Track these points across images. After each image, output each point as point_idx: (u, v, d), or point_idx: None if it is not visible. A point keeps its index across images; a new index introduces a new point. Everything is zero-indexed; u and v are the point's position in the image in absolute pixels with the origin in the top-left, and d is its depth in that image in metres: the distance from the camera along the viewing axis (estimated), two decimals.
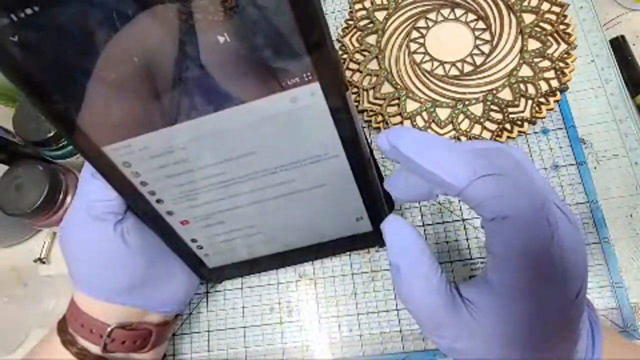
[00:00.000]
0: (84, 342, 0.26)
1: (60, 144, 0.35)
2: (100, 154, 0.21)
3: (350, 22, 0.40)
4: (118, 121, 0.20)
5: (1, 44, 0.16)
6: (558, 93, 0.33)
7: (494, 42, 0.36)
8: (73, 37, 0.16)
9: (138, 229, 0.26)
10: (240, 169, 0.23)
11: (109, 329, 0.26)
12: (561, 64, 0.34)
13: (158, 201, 0.24)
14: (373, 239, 0.30)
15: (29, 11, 0.15)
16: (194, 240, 0.28)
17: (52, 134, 0.34)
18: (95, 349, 0.26)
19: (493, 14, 0.37)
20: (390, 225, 0.21)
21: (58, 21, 0.16)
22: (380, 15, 0.39)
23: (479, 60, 0.35)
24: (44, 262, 0.40)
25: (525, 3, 0.36)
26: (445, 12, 0.37)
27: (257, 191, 0.24)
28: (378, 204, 0.26)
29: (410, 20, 0.38)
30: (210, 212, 0.26)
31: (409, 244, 0.20)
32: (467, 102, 0.34)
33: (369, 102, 0.36)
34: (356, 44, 0.39)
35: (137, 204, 0.25)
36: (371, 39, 0.38)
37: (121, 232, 0.25)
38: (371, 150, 0.24)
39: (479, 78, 0.35)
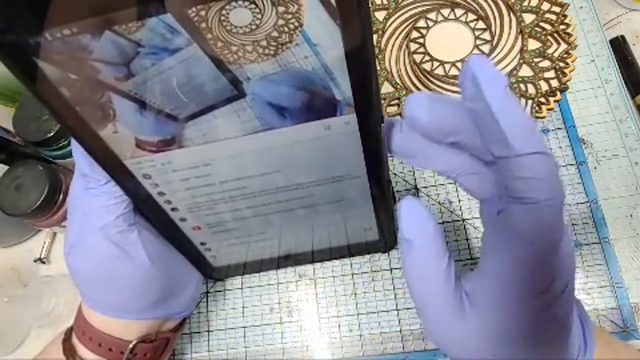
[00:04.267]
0: None
1: (60, 144, 0.35)
2: (121, 166, 0.21)
3: None
4: (145, 138, 0.20)
5: (32, 60, 0.16)
6: (558, 93, 0.33)
7: (494, 42, 0.36)
8: (108, 60, 0.16)
9: (154, 242, 0.25)
10: (262, 185, 0.23)
11: (131, 346, 0.25)
12: (561, 64, 0.34)
13: (173, 209, 0.24)
14: (377, 246, 0.31)
15: (66, 32, 0.15)
16: (202, 244, 0.28)
17: (52, 134, 0.34)
18: None
19: (493, 13, 0.36)
20: (408, 204, 0.20)
21: (93, 44, 0.16)
22: (380, 15, 0.39)
23: None
24: (44, 262, 0.40)
25: (525, 3, 0.36)
26: (445, 12, 0.37)
27: (274, 204, 0.24)
28: (389, 218, 0.27)
29: (410, 20, 0.38)
30: (224, 220, 0.26)
31: (426, 222, 0.19)
32: None
33: None
34: None
35: (150, 211, 0.24)
36: None
37: (141, 250, 0.24)
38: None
39: None
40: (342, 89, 0.18)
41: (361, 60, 0.17)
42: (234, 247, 0.29)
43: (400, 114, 0.35)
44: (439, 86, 0.35)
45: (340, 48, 0.16)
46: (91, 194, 0.22)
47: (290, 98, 0.18)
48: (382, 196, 0.24)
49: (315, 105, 0.18)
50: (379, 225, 0.28)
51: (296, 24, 0.15)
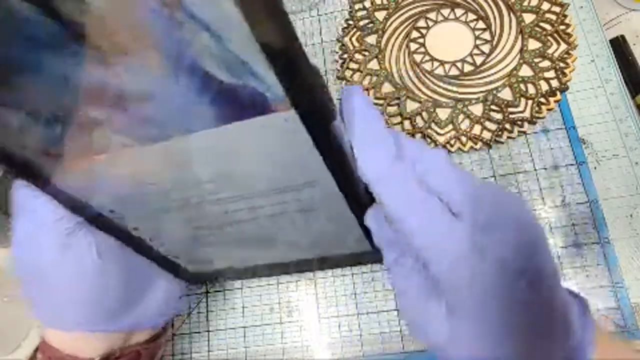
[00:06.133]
0: None
1: None
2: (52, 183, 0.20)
3: (350, 22, 0.40)
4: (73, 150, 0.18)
5: None
6: (558, 93, 0.33)
7: (494, 42, 0.36)
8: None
9: (107, 242, 0.23)
10: (206, 192, 0.21)
11: None
12: (561, 64, 0.34)
13: (120, 218, 0.22)
14: (373, 258, 0.29)
15: None
16: (167, 250, 0.25)
17: None
18: None
19: (493, 13, 0.36)
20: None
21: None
22: (380, 15, 0.39)
23: (479, 60, 0.35)
24: None
25: (525, 3, 0.36)
26: (445, 12, 0.37)
27: (231, 213, 0.22)
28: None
29: (410, 20, 0.38)
30: (180, 230, 0.23)
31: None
32: (467, 102, 0.34)
33: None
34: (356, 44, 0.39)
35: (97, 221, 0.22)
36: (371, 39, 0.38)
37: (92, 251, 0.22)
38: None
39: (479, 78, 0.35)
40: (266, 81, 0.15)
41: (279, 49, 0.14)
42: (203, 256, 0.26)
43: (400, 114, 0.35)
44: (438, 86, 0.35)
45: (246, 34, 0.13)
46: (38, 194, 0.21)
47: (221, 93, 0.16)
48: (359, 203, 0.21)
49: (243, 101, 0.16)
50: (367, 235, 0.24)
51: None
